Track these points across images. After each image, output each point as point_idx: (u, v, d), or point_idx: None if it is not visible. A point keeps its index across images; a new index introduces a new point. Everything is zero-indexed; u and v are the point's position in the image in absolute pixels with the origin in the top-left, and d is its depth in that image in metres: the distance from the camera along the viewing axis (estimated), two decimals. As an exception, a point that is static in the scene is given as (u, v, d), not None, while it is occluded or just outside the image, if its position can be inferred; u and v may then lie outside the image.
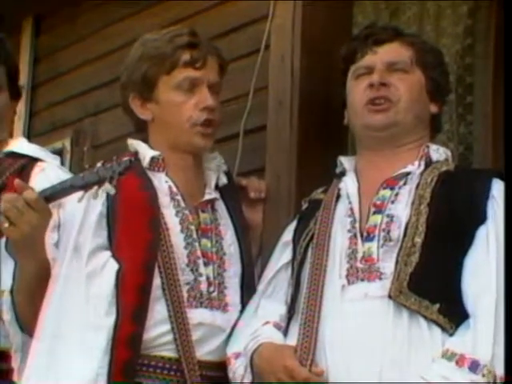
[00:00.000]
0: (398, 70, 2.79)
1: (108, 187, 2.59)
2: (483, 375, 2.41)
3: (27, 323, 2.78)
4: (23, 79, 4.65)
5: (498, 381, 2.42)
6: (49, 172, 3.04)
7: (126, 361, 2.68)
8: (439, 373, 2.44)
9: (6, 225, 2.66)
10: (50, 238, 2.82)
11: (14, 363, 2.85)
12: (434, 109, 2.85)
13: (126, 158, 2.65)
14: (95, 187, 2.60)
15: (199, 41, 2.91)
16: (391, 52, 2.82)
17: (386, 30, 2.97)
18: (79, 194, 2.66)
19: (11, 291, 2.79)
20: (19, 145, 3.18)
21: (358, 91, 2.81)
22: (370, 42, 2.84)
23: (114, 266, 2.73)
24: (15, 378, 2.84)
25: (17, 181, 2.76)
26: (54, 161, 3.16)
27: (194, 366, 2.74)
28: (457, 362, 2.43)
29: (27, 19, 4.79)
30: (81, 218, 2.77)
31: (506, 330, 2.40)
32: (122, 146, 3.04)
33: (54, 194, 2.68)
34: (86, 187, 2.62)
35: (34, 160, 3.10)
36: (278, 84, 3.35)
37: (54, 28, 4.75)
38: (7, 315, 2.83)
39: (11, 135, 3.36)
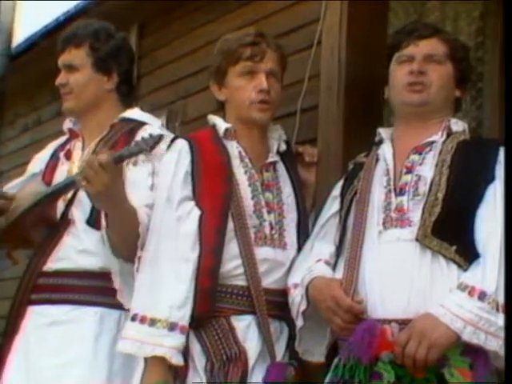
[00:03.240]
0: (434, 61, 2.74)
1: (143, 158, 2.75)
2: (489, 303, 2.40)
3: (121, 252, 2.81)
4: (130, 72, 4.74)
5: (500, 308, 2.39)
6: (151, 132, 2.98)
7: (208, 288, 2.69)
8: (454, 301, 2.42)
9: (84, 182, 2.67)
10: (146, 181, 2.90)
11: (116, 285, 2.86)
12: (458, 93, 2.81)
13: (156, 134, 2.67)
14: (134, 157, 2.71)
15: (260, 39, 2.92)
16: (430, 46, 2.76)
17: (428, 26, 2.93)
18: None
19: (105, 229, 2.81)
20: (130, 112, 3.19)
21: (400, 74, 2.76)
22: (414, 36, 2.79)
23: (197, 212, 2.74)
24: (118, 296, 2.86)
25: (104, 150, 2.81)
26: (155, 123, 3.16)
27: (260, 292, 2.74)
28: (469, 293, 2.42)
29: (133, 26, 4.83)
30: (171, 175, 2.77)
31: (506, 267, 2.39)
32: (204, 122, 3.03)
33: (121, 158, 2.68)
34: (129, 156, 2.67)
35: (140, 123, 3.11)
36: (327, 72, 3.33)
37: (153, 32, 4.80)
38: (106, 247, 2.85)
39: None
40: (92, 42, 3.11)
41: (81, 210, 2.99)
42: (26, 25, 4.82)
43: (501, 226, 2.47)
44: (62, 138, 3.28)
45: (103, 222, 2.82)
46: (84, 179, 2.67)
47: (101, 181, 2.63)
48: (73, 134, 3.21)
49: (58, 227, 3.02)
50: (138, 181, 2.89)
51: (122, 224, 2.78)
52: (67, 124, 3.24)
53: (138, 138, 2.95)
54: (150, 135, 2.66)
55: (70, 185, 2.88)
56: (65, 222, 3.01)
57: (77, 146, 3.16)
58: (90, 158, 2.72)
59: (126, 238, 2.77)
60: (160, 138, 2.65)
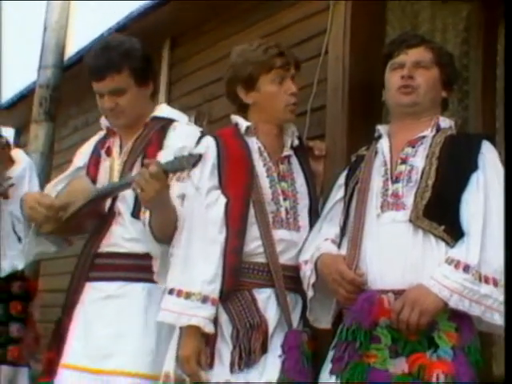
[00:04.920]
0: (422, 67, 2.73)
1: (183, 175, 2.72)
2: (472, 275, 2.42)
3: (160, 239, 2.79)
4: (163, 79, 4.77)
5: (483, 279, 2.41)
6: (179, 129, 3.05)
7: (233, 265, 2.70)
8: (442, 273, 2.44)
9: (139, 190, 2.68)
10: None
11: (155, 267, 2.85)
12: (444, 94, 2.81)
13: (196, 153, 2.64)
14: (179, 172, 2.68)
15: (283, 50, 2.92)
16: (418, 54, 2.76)
17: (416, 37, 2.91)
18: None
19: (149, 223, 2.78)
20: (160, 110, 3.15)
21: (393, 79, 2.76)
22: (404, 46, 2.79)
23: (223, 200, 2.74)
24: (155, 277, 2.86)
25: (146, 161, 2.77)
26: (183, 119, 3.14)
27: (278, 268, 2.75)
28: (455, 266, 2.44)
29: (166, 39, 4.85)
30: (200, 168, 2.75)
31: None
32: (228, 121, 3.03)
33: (169, 169, 2.66)
34: (173, 172, 2.65)
35: (170, 121, 3.08)
36: (333, 77, 3.33)
37: (183, 44, 4.81)
38: (147, 235, 2.83)
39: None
40: (130, 64, 2.97)
41: (125, 205, 2.98)
42: (76, 41, 4.85)
43: (482, 209, 2.48)
44: (101, 133, 3.23)
45: (147, 215, 2.80)
46: (138, 187, 2.66)
47: (152, 188, 2.63)
48: (110, 132, 3.17)
49: (106, 218, 3.02)
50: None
51: (164, 219, 2.76)
52: (104, 121, 3.18)
53: (168, 135, 3.00)
54: (191, 154, 2.62)
55: (122, 187, 2.89)
56: (112, 214, 3.01)
57: (115, 144, 3.13)
58: (142, 169, 2.67)
59: (166, 228, 2.76)
60: (200, 156, 2.61)
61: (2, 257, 3.29)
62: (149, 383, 2.82)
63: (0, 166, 3.22)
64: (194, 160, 2.59)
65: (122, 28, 4.77)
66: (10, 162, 3.34)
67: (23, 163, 3.47)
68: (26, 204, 3.08)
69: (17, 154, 3.53)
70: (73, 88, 5.02)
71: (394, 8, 3.60)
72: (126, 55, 2.98)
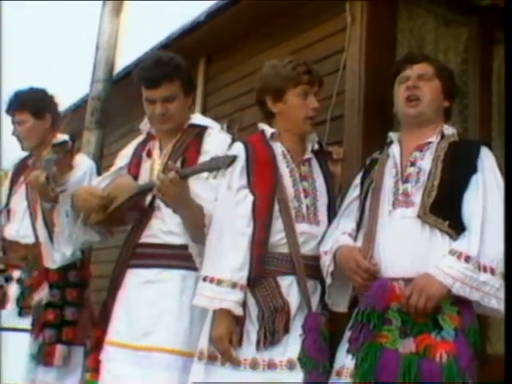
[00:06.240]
0: (425, 79, 2.74)
1: (218, 174, 2.64)
2: (472, 264, 2.42)
3: (195, 239, 2.81)
4: (200, 91, 4.79)
5: (481, 268, 2.41)
6: (213, 135, 3.06)
7: (260, 255, 2.69)
8: (446, 263, 2.44)
9: (160, 195, 2.70)
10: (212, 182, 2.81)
11: (197, 263, 2.84)
12: (446, 104, 2.80)
13: (231, 155, 2.63)
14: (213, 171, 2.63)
15: (311, 69, 2.92)
16: (421, 68, 2.77)
17: (419, 55, 2.97)
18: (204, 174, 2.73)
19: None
20: (196, 118, 3.17)
21: (400, 91, 2.78)
22: (409, 62, 2.81)
23: (250, 197, 2.74)
24: (200, 270, 2.81)
25: (170, 164, 2.78)
26: (216, 127, 3.14)
27: (299, 258, 2.74)
28: (457, 257, 2.44)
29: (202, 56, 4.85)
30: (231, 169, 2.74)
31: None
32: (256, 128, 3.02)
33: (187, 174, 2.69)
34: (209, 171, 2.63)
35: (204, 128, 3.09)
36: (350, 90, 3.34)
37: (217, 61, 4.79)
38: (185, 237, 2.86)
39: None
40: (180, 76, 3.01)
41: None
42: (123, 58, 4.87)
43: (481, 207, 2.47)
44: (140, 138, 3.25)
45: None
46: (159, 192, 2.69)
47: (171, 192, 2.66)
48: (150, 136, 3.18)
49: (146, 212, 3.02)
50: (206, 183, 2.84)
51: (191, 218, 2.78)
52: (144, 126, 3.20)
53: (204, 140, 3.01)
54: (227, 155, 2.62)
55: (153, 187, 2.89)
56: (151, 208, 3.02)
57: (155, 146, 3.13)
58: (161, 176, 2.69)
59: (196, 227, 2.77)
60: (235, 157, 2.60)
61: (55, 250, 3.31)
62: (183, 359, 2.82)
63: (60, 171, 3.21)
64: (229, 160, 2.58)
65: (164, 47, 4.76)
66: (68, 167, 3.31)
67: (84, 167, 3.46)
68: (78, 196, 3.09)
69: (80, 158, 3.52)
70: (120, 100, 5.06)
71: (403, 30, 3.60)
72: (178, 68, 3.02)
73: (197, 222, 2.76)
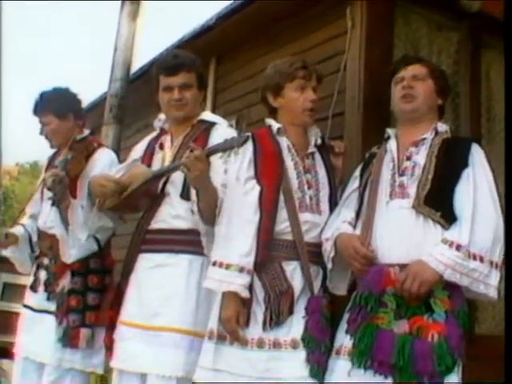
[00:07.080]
0: (419, 79, 2.74)
1: (234, 151, 2.64)
2: (463, 253, 2.41)
3: (207, 218, 2.80)
4: (210, 89, 4.78)
5: (471, 256, 2.41)
6: (220, 130, 3.05)
7: (266, 241, 2.68)
8: (439, 251, 2.44)
9: (186, 170, 2.70)
10: (221, 168, 2.81)
11: (203, 243, 2.84)
12: (439, 101, 2.79)
13: (244, 135, 2.64)
14: (228, 151, 2.64)
15: (307, 65, 2.90)
16: (415, 69, 2.76)
17: (412, 57, 2.98)
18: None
19: (197, 203, 2.78)
20: (205, 115, 3.18)
21: (396, 91, 2.77)
22: (404, 64, 2.81)
23: (257, 188, 2.72)
24: (205, 251, 2.84)
25: (191, 145, 2.78)
26: (224, 124, 3.14)
27: (303, 245, 2.73)
28: (449, 245, 2.43)
29: (213, 57, 4.84)
30: (240, 161, 2.75)
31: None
32: (263, 123, 3.02)
33: (210, 153, 2.70)
34: (224, 150, 2.64)
35: (213, 123, 3.10)
36: (351, 88, 3.34)
37: (226, 61, 4.77)
38: (195, 216, 2.83)
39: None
40: (196, 69, 3.06)
41: (174, 187, 2.98)
42: (139, 59, 4.88)
43: (472, 198, 2.47)
44: (153, 134, 3.24)
45: (194, 197, 2.81)
46: (185, 167, 2.69)
47: (197, 168, 2.67)
48: (163, 131, 3.19)
49: (157, 199, 3.02)
50: (217, 169, 2.82)
51: (208, 198, 2.77)
52: (158, 122, 3.22)
53: (212, 134, 3.01)
54: (240, 136, 2.62)
55: (173, 169, 2.89)
56: (162, 195, 3.01)
57: (167, 140, 3.13)
58: (188, 153, 2.69)
59: (210, 208, 2.76)
60: (247, 138, 2.62)
61: (71, 245, 3.29)
62: (189, 338, 2.83)
63: (72, 170, 3.21)
64: (242, 140, 2.59)
65: (177, 48, 4.74)
66: (80, 164, 3.30)
67: (104, 160, 3.43)
68: (95, 182, 3.09)
69: (101, 152, 3.50)
70: (136, 98, 5.05)
71: (399, 34, 3.61)
72: (194, 62, 3.08)
73: (211, 202, 2.76)
